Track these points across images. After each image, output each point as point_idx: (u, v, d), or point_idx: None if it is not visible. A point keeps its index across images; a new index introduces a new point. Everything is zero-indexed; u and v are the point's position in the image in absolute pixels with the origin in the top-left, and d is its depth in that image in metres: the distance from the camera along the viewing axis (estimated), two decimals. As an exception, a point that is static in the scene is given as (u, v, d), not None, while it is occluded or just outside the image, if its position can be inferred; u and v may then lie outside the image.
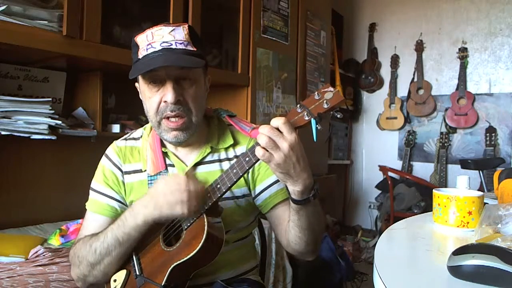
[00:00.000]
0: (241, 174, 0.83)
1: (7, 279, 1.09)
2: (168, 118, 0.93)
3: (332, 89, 0.78)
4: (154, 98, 0.93)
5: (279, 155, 0.76)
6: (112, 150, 1.06)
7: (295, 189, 0.83)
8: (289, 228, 0.93)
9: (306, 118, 0.78)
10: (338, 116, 0.81)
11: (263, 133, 0.76)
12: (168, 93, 0.90)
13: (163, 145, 1.03)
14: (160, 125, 0.95)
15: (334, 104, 0.77)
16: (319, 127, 0.77)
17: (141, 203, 0.87)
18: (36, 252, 1.25)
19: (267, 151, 0.77)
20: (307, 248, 0.95)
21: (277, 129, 0.77)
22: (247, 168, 0.82)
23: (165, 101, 0.92)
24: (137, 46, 0.94)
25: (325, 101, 0.77)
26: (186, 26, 0.95)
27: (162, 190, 0.84)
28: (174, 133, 0.95)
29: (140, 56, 0.92)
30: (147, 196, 0.87)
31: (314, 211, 0.88)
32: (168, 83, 0.91)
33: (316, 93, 0.79)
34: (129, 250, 0.92)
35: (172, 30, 0.92)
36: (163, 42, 0.91)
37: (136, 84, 1.02)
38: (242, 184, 1.02)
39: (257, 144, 0.78)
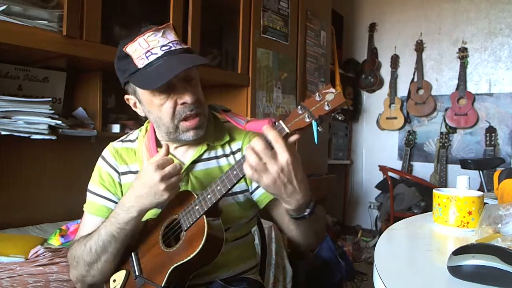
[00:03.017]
0: (241, 176, 0.82)
1: (7, 279, 1.09)
2: (185, 119, 0.94)
3: (333, 90, 0.76)
4: (167, 104, 0.92)
5: (268, 178, 0.75)
6: (108, 151, 1.06)
7: (287, 207, 0.83)
8: (289, 229, 0.94)
9: (307, 120, 0.76)
10: (339, 118, 0.80)
11: (254, 149, 0.75)
12: (186, 95, 0.91)
13: (159, 145, 1.03)
14: (178, 128, 0.95)
15: (336, 106, 0.75)
16: (320, 130, 0.76)
17: (133, 194, 0.87)
18: (36, 252, 1.25)
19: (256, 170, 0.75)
20: (309, 245, 0.98)
21: (270, 144, 0.75)
22: None
23: (182, 103, 0.92)
24: (128, 57, 0.91)
25: (326, 103, 0.75)
26: (171, 25, 0.94)
27: (147, 179, 0.85)
28: (193, 131, 0.96)
29: (140, 66, 0.90)
30: (137, 187, 0.87)
31: (312, 220, 0.87)
32: (181, 85, 0.92)
33: (317, 94, 0.77)
34: (124, 245, 0.92)
35: (163, 33, 0.91)
36: (163, 46, 0.90)
37: (128, 97, 1.00)
38: (241, 180, 1.02)
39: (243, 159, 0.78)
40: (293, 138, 0.78)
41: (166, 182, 0.83)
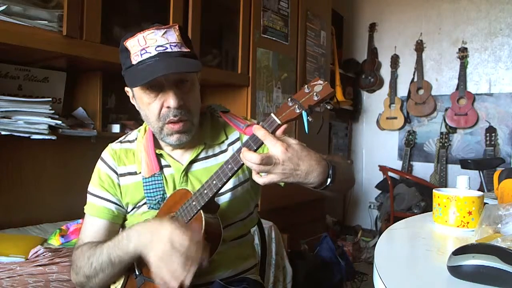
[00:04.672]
0: (236, 169, 0.83)
1: (7, 279, 1.09)
2: (170, 122, 0.93)
3: (321, 81, 0.80)
4: (154, 104, 0.92)
5: (276, 174, 0.77)
6: (107, 153, 1.06)
7: (311, 186, 0.83)
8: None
9: (297, 111, 0.79)
10: (328, 107, 0.82)
11: (247, 159, 0.77)
12: (170, 99, 0.90)
13: (157, 146, 1.03)
14: (163, 130, 0.95)
15: (324, 96, 0.78)
16: (310, 119, 0.79)
17: (139, 230, 0.86)
18: (36, 252, 1.25)
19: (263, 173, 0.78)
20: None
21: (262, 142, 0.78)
22: (242, 162, 0.82)
23: (167, 107, 0.91)
24: (127, 51, 0.91)
25: (315, 94, 0.78)
26: (177, 27, 0.93)
27: (165, 239, 0.79)
28: (177, 135, 0.95)
29: (134, 62, 0.90)
30: (148, 226, 0.85)
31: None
32: (168, 88, 0.90)
33: (306, 86, 0.80)
34: (122, 272, 0.92)
35: (164, 33, 0.90)
36: (158, 46, 0.89)
37: (127, 89, 1.01)
38: (238, 172, 1.00)
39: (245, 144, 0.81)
40: (281, 129, 0.80)
41: (185, 261, 0.77)
